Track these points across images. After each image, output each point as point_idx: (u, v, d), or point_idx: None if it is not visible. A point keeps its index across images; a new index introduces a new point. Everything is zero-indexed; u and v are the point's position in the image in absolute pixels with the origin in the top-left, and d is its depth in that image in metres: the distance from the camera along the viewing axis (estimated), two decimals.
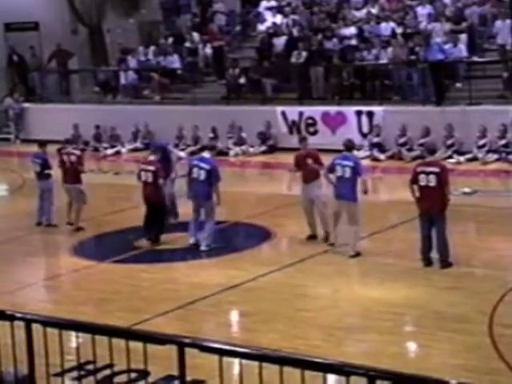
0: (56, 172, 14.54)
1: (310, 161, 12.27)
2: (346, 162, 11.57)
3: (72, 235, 13.85)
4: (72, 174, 13.93)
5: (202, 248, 12.28)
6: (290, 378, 4.35)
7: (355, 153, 19.15)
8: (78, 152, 14.47)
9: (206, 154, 12.68)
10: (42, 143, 14.79)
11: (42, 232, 14.20)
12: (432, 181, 10.66)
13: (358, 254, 11.53)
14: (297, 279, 10.89)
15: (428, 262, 10.89)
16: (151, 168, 12.80)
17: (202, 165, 12.32)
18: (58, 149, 14.72)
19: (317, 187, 12.26)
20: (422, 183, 10.74)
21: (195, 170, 12.32)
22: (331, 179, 11.83)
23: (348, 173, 11.47)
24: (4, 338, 5.40)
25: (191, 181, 12.39)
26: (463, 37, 20.41)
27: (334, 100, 21.02)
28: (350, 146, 12.03)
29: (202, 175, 12.20)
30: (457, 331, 8.69)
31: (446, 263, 10.79)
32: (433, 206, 10.70)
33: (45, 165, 14.27)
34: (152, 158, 13.19)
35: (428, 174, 10.72)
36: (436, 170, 10.75)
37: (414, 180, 10.87)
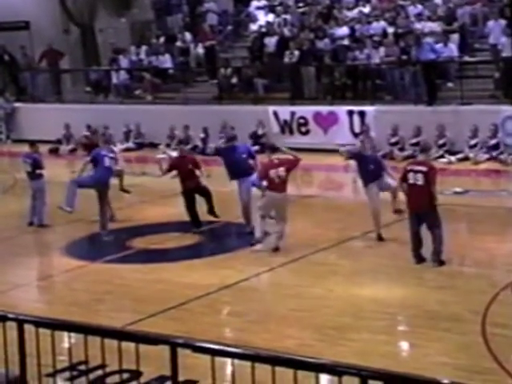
0: (49, 171, 14.51)
1: (282, 169, 11.84)
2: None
3: (64, 235, 13.83)
4: None
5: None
6: (283, 378, 4.35)
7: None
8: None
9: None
10: (33, 143, 14.75)
11: (33, 232, 14.16)
12: (419, 179, 10.82)
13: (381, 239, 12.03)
14: (289, 279, 10.89)
15: (419, 258, 10.94)
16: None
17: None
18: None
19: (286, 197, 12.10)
20: (411, 181, 10.91)
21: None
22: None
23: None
24: None
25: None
26: (455, 37, 20.45)
27: (325, 100, 21.03)
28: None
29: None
30: (449, 330, 8.71)
31: (438, 261, 10.84)
32: (420, 204, 10.80)
33: (36, 164, 14.23)
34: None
35: (416, 172, 10.89)
36: (424, 169, 10.90)
37: (404, 178, 11.04)
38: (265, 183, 12.00)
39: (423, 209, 10.81)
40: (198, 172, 13.18)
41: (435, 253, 10.84)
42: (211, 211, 13.31)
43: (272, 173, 11.89)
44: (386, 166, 12.66)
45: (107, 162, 13.52)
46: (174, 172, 13.42)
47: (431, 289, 10.14)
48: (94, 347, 4.94)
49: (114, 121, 22.41)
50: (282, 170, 11.86)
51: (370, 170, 12.16)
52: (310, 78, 21.48)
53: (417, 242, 10.97)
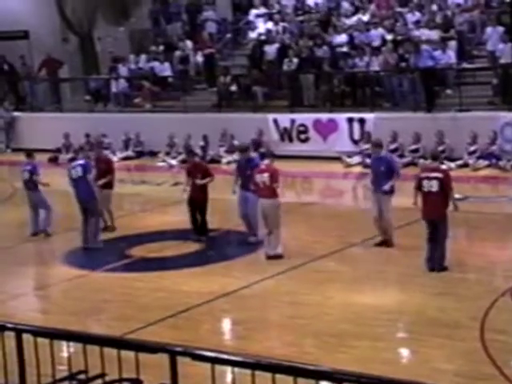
0: (49, 180, 14.46)
1: (266, 174, 11.91)
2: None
3: (63, 244, 13.82)
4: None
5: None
6: None
7: (348, 160, 19.40)
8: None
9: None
10: (29, 153, 14.66)
11: (33, 241, 14.14)
12: (434, 186, 10.77)
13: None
14: (289, 286, 10.88)
15: (432, 266, 10.87)
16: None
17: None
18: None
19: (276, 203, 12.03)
20: (425, 189, 10.86)
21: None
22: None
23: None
24: None
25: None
26: (453, 44, 20.50)
27: (325, 107, 21.06)
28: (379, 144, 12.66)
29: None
30: (448, 337, 8.71)
31: (441, 267, 10.85)
32: (435, 211, 10.79)
33: (33, 171, 14.10)
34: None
35: (431, 179, 10.83)
36: (439, 175, 10.89)
37: (418, 186, 10.99)
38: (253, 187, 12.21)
39: (438, 216, 10.79)
40: (201, 180, 13.05)
41: (439, 258, 10.85)
42: (201, 227, 13.17)
43: (257, 177, 12.03)
44: (398, 170, 12.51)
45: (72, 174, 13.31)
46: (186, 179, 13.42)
47: (431, 295, 10.13)
48: (94, 356, 4.94)
49: (113, 129, 22.41)
50: (265, 176, 11.94)
51: (380, 171, 12.09)
52: (309, 86, 21.51)
53: (432, 249, 10.87)
